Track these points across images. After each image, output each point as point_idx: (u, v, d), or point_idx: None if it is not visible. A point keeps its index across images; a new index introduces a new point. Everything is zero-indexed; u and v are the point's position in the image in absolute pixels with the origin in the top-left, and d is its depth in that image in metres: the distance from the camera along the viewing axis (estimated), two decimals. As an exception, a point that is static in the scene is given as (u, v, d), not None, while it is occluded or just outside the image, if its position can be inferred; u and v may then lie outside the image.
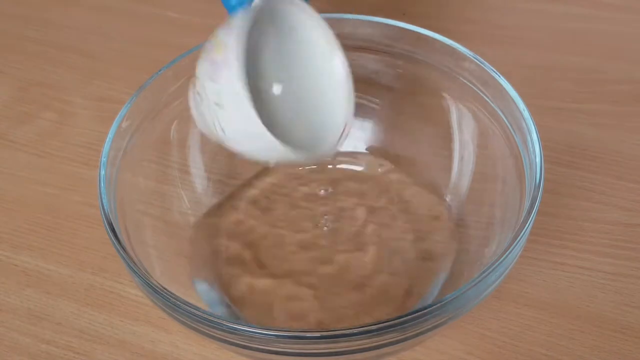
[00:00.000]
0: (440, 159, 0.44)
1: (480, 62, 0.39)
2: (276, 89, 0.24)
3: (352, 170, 0.47)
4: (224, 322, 0.29)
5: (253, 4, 0.21)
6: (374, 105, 0.46)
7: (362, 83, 0.45)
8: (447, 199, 0.44)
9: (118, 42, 0.59)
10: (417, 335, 0.30)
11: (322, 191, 0.45)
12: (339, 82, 0.23)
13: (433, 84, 0.43)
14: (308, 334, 0.29)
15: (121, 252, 0.32)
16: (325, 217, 0.44)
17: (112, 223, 0.34)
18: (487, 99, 0.40)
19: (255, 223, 0.44)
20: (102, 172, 0.35)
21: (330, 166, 0.47)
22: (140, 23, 0.61)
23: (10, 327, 0.40)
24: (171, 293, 0.31)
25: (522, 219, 0.33)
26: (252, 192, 0.46)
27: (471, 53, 0.40)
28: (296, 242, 0.43)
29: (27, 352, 0.39)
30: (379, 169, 0.46)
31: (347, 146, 0.47)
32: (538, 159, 0.34)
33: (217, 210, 0.45)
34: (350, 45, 0.43)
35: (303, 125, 0.25)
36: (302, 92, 0.23)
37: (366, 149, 0.47)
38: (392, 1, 0.60)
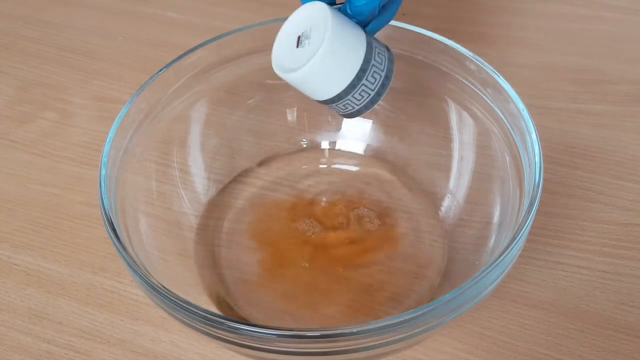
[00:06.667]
0: (439, 158, 0.45)
1: (480, 62, 0.39)
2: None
3: (351, 170, 0.47)
4: (225, 322, 0.29)
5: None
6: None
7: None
8: (447, 199, 0.44)
9: (118, 42, 0.59)
10: (416, 334, 0.30)
11: (321, 191, 0.46)
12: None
13: (433, 84, 0.43)
14: (308, 333, 0.29)
15: (121, 251, 0.32)
16: (325, 216, 0.44)
17: (112, 222, 0.34)
18: (487, 99, 0.40)
19: (254, 222, 0.44)
20: (103, 172, 0.35)
21: (330, 166, 0.47)
22: (140, 23, 0.61)
23: (11, 326, 0.40)
24: (171, 292, 0.31)
25: (521, 218, 0.33)
26: (252, 191, 0.46)
27: (471, 53, 0.40)
28: (295, 241, 0.43)
29: (28, 352, 0.39)
30: (379, 169, 0.46)
31: (346, 146, 0.48)
32: (537, 159, 0.34)
33: (217, 209, 0.45)
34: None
35: None
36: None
37: (366, 149, 0.47)
38: (392, 1, 0.61)
